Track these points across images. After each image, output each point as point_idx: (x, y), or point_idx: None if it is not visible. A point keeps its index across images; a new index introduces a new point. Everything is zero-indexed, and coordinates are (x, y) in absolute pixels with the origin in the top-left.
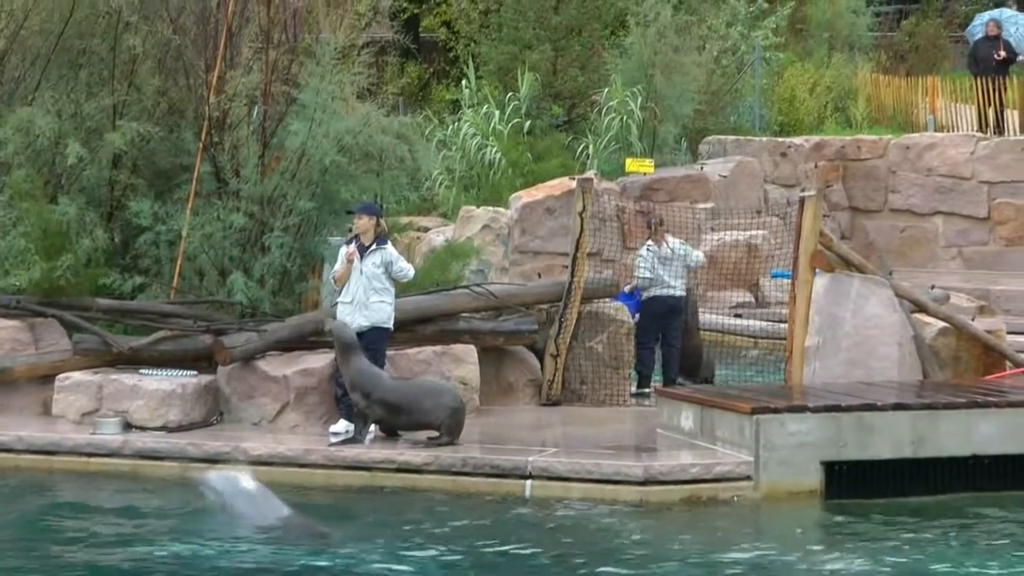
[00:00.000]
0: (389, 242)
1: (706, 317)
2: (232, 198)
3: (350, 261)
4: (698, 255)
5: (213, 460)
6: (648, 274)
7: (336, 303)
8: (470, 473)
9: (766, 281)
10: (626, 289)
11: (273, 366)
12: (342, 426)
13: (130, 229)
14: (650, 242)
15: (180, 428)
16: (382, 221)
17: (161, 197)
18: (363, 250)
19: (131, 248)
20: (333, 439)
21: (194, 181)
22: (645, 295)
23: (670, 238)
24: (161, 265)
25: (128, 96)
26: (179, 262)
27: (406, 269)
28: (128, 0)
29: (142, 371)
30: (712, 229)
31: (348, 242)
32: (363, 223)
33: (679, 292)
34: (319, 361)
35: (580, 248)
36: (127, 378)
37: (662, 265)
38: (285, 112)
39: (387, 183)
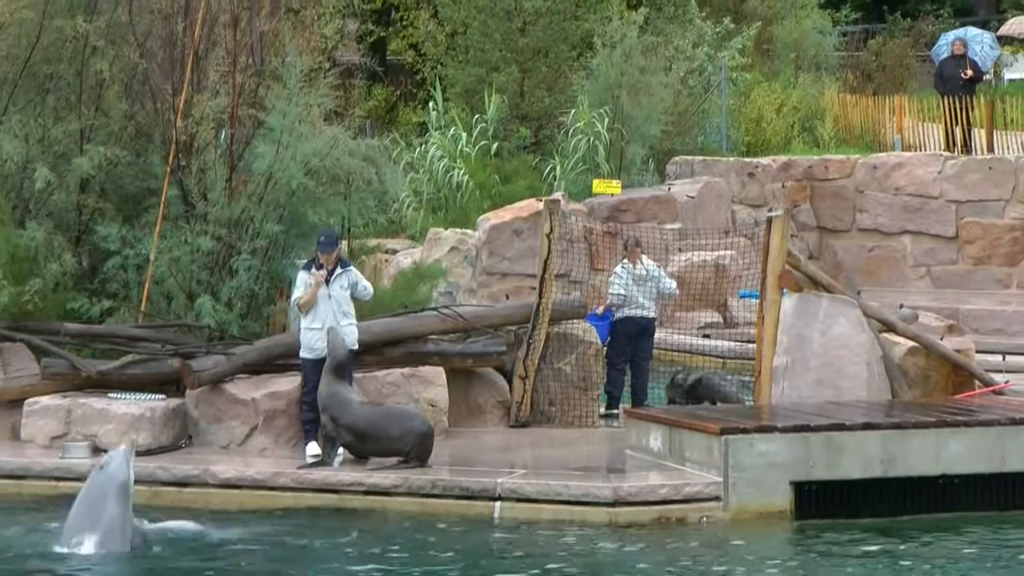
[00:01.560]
0: (351, 263)
1: (674, 338)
2: (199, 221)
3: (319, 285)
4: (671, 284)
5: (182, 483)
6: (621, 291)
7: (304, 328)
8: (439, 495)
9: (734, 301)
10: (598, 311)
11: (241, 389)
12: (317, 448)
13: (98, 253)
14: (625, 261)
15: (149, 452)
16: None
17: (129, 221)
18: (328, 275)
19: (99, 272)
20: (310, 460)
21: (162, 205)
22: (617, 315)
23: (645, 259)
24: (129, 289)
25: (95, 120)
26: (147, 286)
27: (369, 288)
28: (95, 25)
29: (111, 395)
30: (680, 250)
31: (307, 267)
32: (334, 257)
33: (651, 313)
34: (287, 384)
35: (548, 269)
36: (96, 402)
37: (636, 285)
38: (252, 135)
39: (354, 205)
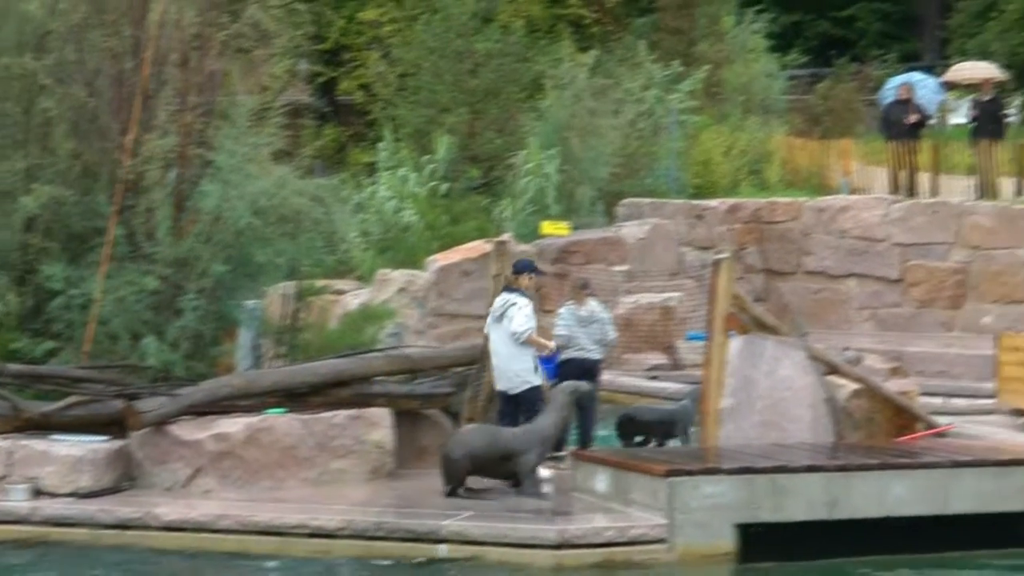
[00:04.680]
0: None
1: (622, 379)
2: (145, 261)
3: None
4: (612, 333)
5: (124, 526)
6: (564, 332)
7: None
8: (384, 538)
9: (681, 343)
10: (544, 352)
11: (186, 431)
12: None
13: (42, 293)
14: (570, 302)
15: (91, 494)
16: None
17: (74, 261)
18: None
19: (43, 312)
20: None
21: (107, 244)
22: (561, 357)
23: (592, 301)
24: (73, 329)
25: (42, 159)
26: (91, 326)
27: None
28: (43, 63)
29: (53, 436)
30: (628, 291)
31: (525, 295)
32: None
33: (595, 355)
34: (233, 425)
35: None
36: (38, 444)
37: (580, 326)
38: (200, 175)
39: (303, 246)
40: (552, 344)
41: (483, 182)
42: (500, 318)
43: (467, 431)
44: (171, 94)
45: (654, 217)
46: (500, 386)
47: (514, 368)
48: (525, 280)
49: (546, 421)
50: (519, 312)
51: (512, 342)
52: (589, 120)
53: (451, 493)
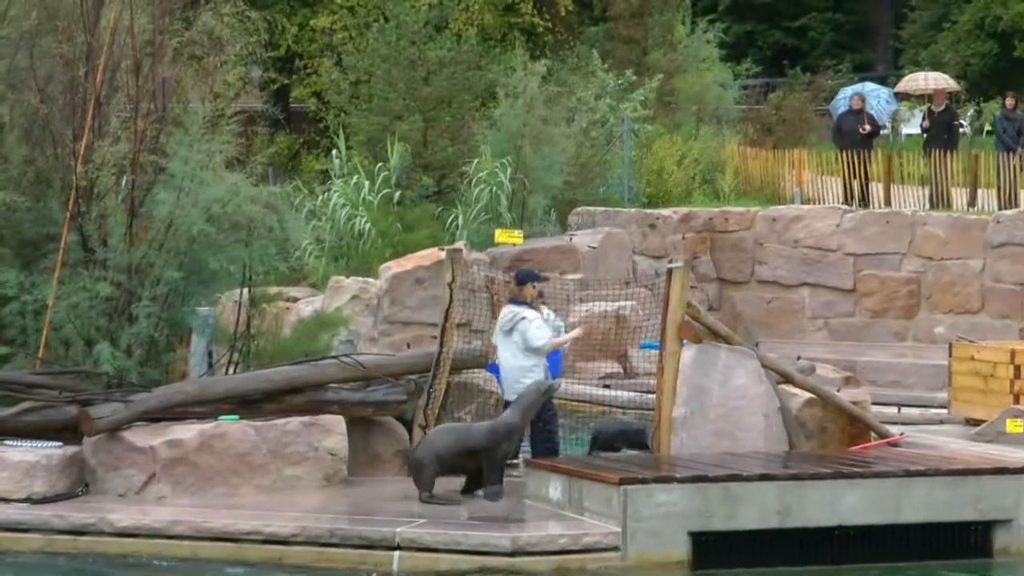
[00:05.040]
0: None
1: (574, 388)
2: (99, 268)
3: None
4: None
5: (78, 532)
6: None
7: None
8: (338, 544)
9: (634, 352)
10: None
11: (140, 437)
12: None
13: None
14: None
15: (45, 500)
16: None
17: (27, 267)
18: None
19: None
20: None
21: (61, 251)
22: None
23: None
24: (27, 335)
25: None
26: (45, 332)
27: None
28: None
29: (6, 442)
30: (581, 300)
31: (531, 306)
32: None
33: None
34: (187, 432)
35: (449, 319)
36: None
37: None
38: (153, 181)
39: (256, 253)
40: (577, 332)
41: (436, 190)
42: (509, 332)
43: (435, 433)
44: (124, 101)
45: (607, 226)
46: (507, 396)
47: (524, 383)
48: (529, 290)
49: (514, 416)
50: (530, 326)
51: (522, 356)
52: (542, 129)
53: (427, 499)
